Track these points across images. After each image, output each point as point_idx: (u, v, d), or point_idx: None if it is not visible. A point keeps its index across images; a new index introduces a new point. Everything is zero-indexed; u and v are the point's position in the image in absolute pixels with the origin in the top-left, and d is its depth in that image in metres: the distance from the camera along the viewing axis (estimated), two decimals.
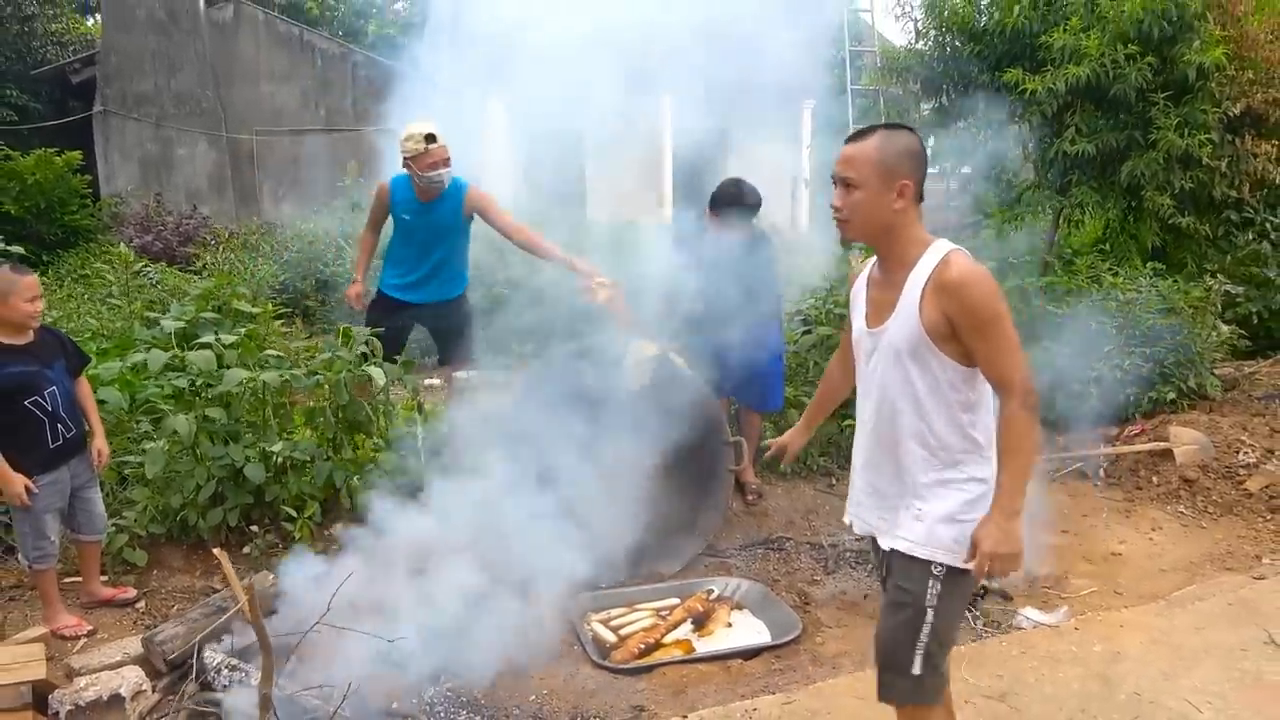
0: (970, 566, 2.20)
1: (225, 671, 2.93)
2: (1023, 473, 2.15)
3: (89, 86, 13.74)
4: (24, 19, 14.21)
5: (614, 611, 3.95)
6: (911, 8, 8.12)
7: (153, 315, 5.67)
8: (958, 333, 2.16)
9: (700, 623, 3.81)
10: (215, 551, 2.31)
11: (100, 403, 4.31)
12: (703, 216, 4.73)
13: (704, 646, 3.64)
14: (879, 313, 2.31)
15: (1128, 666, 3.28)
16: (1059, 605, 3.85)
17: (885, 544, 2.36)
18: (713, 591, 4.06)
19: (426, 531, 3.69)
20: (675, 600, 4.01)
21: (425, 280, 4.99)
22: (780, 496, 4.94)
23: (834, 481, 5.12)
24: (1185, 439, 5.23)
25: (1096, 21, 6.47)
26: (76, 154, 11.69)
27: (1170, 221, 6.55)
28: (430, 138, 4.60)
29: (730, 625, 3.78)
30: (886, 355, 2.26)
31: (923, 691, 2.29)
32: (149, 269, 7.69)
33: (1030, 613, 3.77)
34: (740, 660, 3.50)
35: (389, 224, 5.03)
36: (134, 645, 3.16)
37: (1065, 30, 6.56)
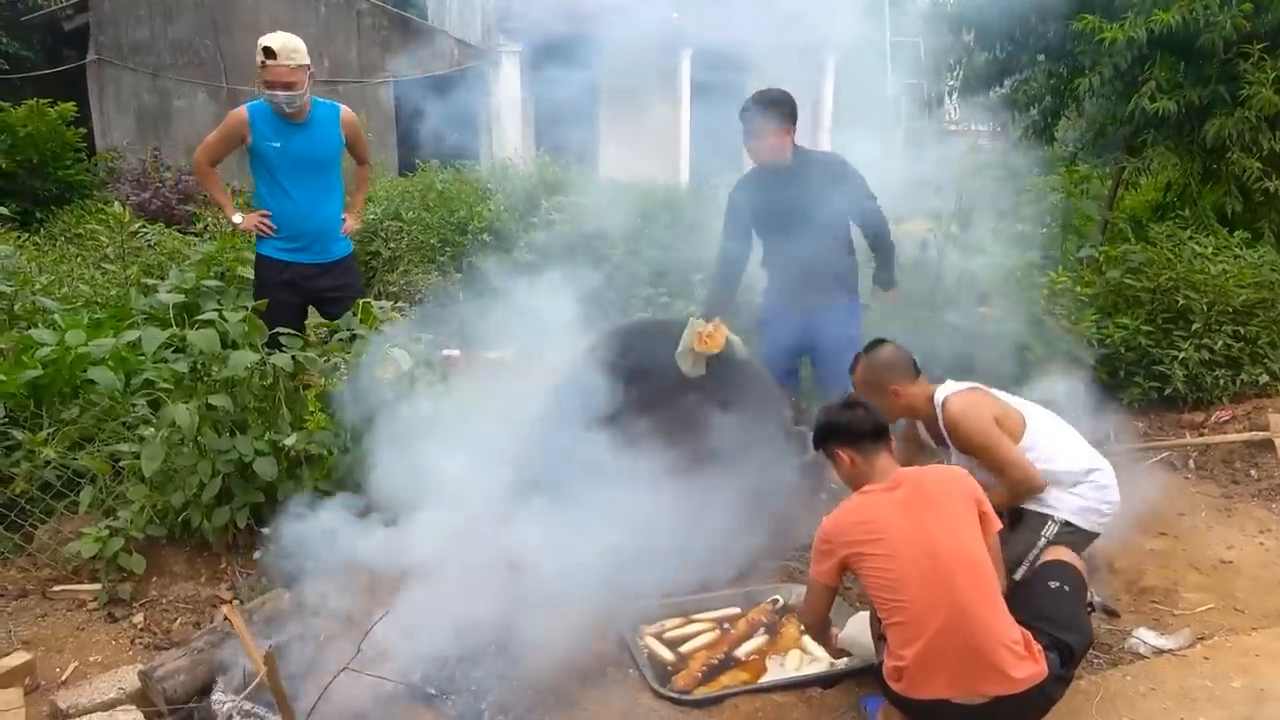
0: None
1: (236, 719, 2.49)
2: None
3: (82, 34, 13.05)
4: None
5: (669, 623, 3.51)
6: None
7: (150, 282, 5.18)
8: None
9: (770, 632, 3.40)
10: (224, 609, 1.87)
11: (90, 383, 3.85)
12: None
13: (776, 671, 3.21)
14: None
15: (1276, 709, 2.84)
16: (1173, 624, 3.41)
17: None
18: (778, 601, 3.62)
19: (455, 539, 3.25)
20: (735, 610, 3.58)
21: (308, 224, 4.36)
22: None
23: None
24: None
25: None
26: (70, 105, 11.06)
27: (1255, 186, 6.00)
28: (268, 52, 3.89)
29: (802, 643, 3.35)
30: None
31: None
32: (146, 230, 7.18)
33: (1144, 634, 3.30)
34: (819, 690, 3.07)
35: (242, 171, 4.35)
36: (130, 677, 2.73)
37: None
